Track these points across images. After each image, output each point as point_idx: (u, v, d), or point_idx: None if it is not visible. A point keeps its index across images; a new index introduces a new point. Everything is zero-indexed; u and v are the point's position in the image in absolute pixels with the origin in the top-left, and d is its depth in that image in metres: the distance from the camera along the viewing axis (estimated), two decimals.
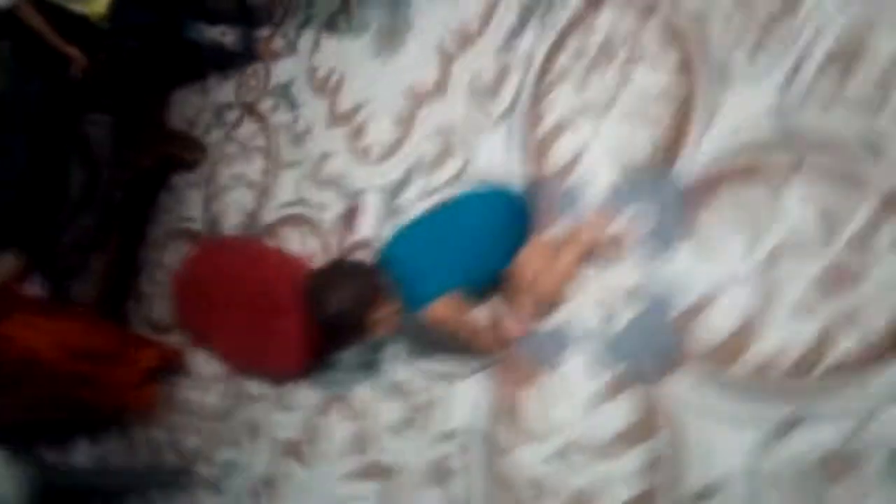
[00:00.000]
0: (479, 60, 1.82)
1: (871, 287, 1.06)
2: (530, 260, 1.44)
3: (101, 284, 2.61)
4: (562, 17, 1.65)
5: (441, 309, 1.41)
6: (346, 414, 1.88)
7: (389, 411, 1.77)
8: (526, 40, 1.71)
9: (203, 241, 2.63)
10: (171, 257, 2.83)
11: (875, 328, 1.04)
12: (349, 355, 1.89)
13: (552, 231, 1.49)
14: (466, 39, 1.87)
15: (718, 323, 1.22)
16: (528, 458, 1.44)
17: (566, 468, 1.37)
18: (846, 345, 1.08)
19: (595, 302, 1.41)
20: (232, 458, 2.21)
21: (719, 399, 1.19)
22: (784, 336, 1.14)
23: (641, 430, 1.29)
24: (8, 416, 2.25)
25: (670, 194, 1.33)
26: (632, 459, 1.28)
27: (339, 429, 1.88)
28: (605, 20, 1.54)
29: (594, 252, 1.40)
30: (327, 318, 1.40)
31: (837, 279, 1.09)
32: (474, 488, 1.52)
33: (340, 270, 1.46)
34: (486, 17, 1.82)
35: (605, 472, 1.31)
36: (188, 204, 2.90)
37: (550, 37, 1.66)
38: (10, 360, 2.22)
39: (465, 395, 1.60)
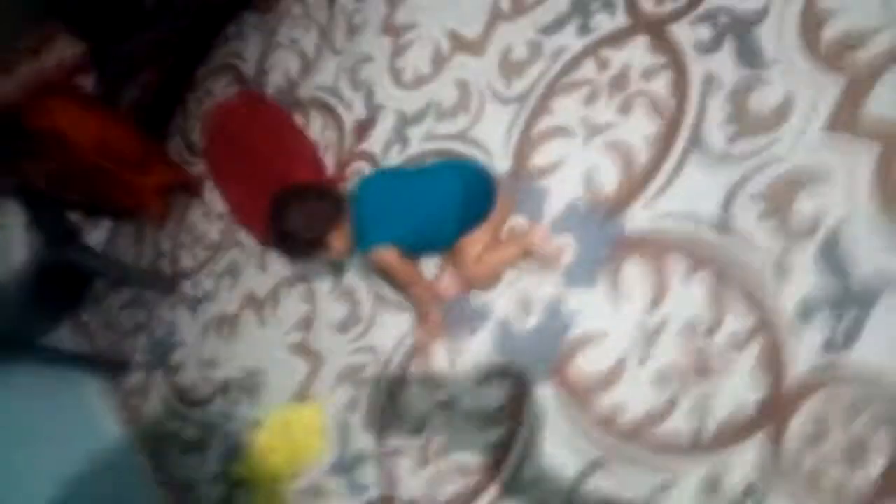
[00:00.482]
0: (520, 34, 1.88)
1: (724, 386, 1.23)
2: (477, 242, 1.60)
3: (147, 97, 2.84)
4: (604, 26, 1.70)
5: (383, 256, 1.60)
6: (305, 296, 2.14)
7: (335, 310, 2.03)
8: (564, 35, 1.77)
9: (245, 91, 2.80)
10: (219, 88, 3.02)
11: (708, 423, 1.22)
12: None
13: (506, 221, 1.64)
14: (518, 8, 1.91)
15: (594, 361, 1.42)
16: (420, 398, 1.70)
17: (443, 419, 1.63)
18: (677, 425, 1.27)
19: (516, 299, 1.60)
20: (210, 289, 2.53)
21: (565, 422, 1.41)
22: (635, 396, 1.34)
23: (506, 414, 1.52)
24: (31, 181, 2.56)
25: (607, 237, 1.48)
26: (492, 433, 1.53)
27: (294, 305, 2.16)
28: (635, 48, 1.60)
29: (532, 257, 1.56)
30: (280, 234, 1.61)
31: (702, 366, 1.26)
32: (374, 399, 1.80)
33: (306, 193, 1.65)
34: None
35: (474, 439, 1.56)
36: (247, 44, 3.03)
37: (585, 41, 1.71)
38: (45, 131, 2.49)
39: (396, 325, 1.84)
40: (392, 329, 1.85)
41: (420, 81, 2.11)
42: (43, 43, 2.67)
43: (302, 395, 2.01)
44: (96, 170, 2.69)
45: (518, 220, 1.67)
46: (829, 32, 1.30)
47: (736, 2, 1.46)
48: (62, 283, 2.86)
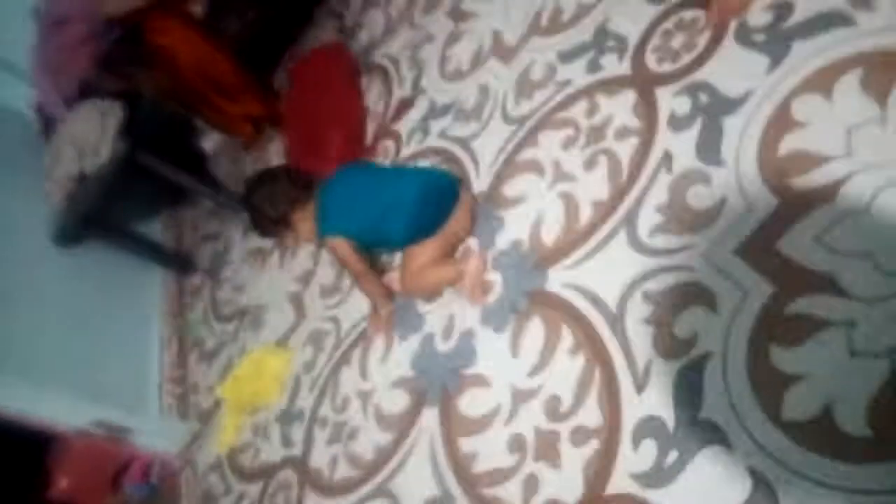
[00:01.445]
0: (543, 53, 1.83)
1: (553, 475, 1.24)
2: (426, 251, 1.65)
3: (249, 32, 3.07)
4: (609, 68, 1.62)
5: (335, 245, 1.70)
6: (313, 254, 2.32)
7: (327, 274, 2.19)
8: (575, 67, 1.70)
9: (333, 44, 2.94)
10: (325, 34, 3.17)
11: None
12: None
13: (461, 239, 1.67)
14: (553, 26, 1.85)
15: (475, 403, 1.46)
16: (352, 384, 1.83)
17: (360, 412, 1.75)
18: (510, 492, 1.30)
19: (445, 320, 1.65)
20: None
21: (432, 452, 1.49)
22: (490, 451, 1.38)
23: (401, 424, 1.62)
24: (140, 88, 2.91)
25: (528, 288, 1.48)
26: (375, 436, 1.64)
27: (304, 259, 2.36)
28: (622, 103, 1.52)
29: (465, 283, 1.60)
30: (248, 206, 1.77)
31: (544, 448, 1.27)
32: (325, 370, 1.97)
33: (279, 175, 1.78)
34: (574, 20, 1.79)
35: (373, 436, 1.68)
36: None
37: (588, 80, 1.65)
38: (156, 46, 2.81)
39: (361, 306, 1.96)
40: (357, 308, 1.97)
41: (456, 75, 2.12)
42: None
43: (282, 341, 2.22)
44: (193, 89, 3.00)
45: (472, 244, 1.69)
46: (786, 145, 1.17)
47: (722, 83, 1.34)
48: (162, 181, 3.24)
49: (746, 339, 1.07)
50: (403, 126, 2.23)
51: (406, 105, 2.30)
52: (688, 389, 1.11)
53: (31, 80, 3.10)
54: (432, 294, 1.68)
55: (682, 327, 1.17)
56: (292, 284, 2.34)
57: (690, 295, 1.17)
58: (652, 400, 1.15)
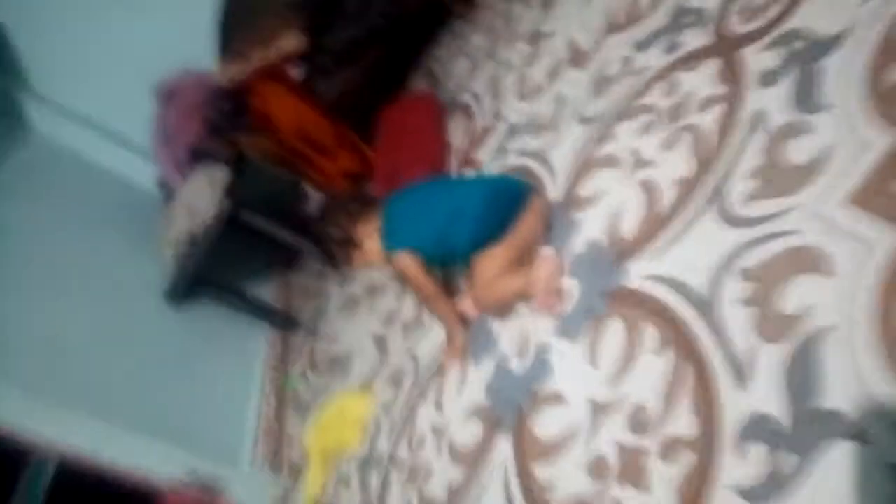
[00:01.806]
0: (618, 49, 1.69)
1: (637, 501, 1.01)
2: (495, 259, 1.50)
3: (341, 91, 3.17)
4: (689, 43, 1.44)
5: (401, 261, 1.58)
6: (398, 293, 2.23)
7: (409, 311, 2.08)
8: (650, 55, 1.54)
9: (419, 90, 2.96)
10: (420, 85, 3.21)
11: None
12: None
13: (532, 245, 1.50)
14: (631, 18, 1.71)
15: (551, 424, 1.25)
16: (427, 420, 1.67)
17: (435, 449, 1.58)
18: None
19: (515, 335, 1.47)
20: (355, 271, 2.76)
21: (515, 482, 1.28)
22: (568, 477, 1.15)
23: (474, 456, 1.43)
24: (245, 152, 3.05)
25: (607, 289, 1.28)
26: (447, 473, 1.45)
27: (390, 299, 2.27)
28: (705, 73, 1.33)
29: (537, 290, 1.42)
30: (315, 240, 1.71)
31: (628, 468, 1.04)
32: (403, 409, 1.82)
33: (339, 200, 1.71)
34: (649, 9, 1.64)
35: (446, 474, 1.50)
36: (442, 49, 3.18)
37: (664, 62, 1.48)
38: (259, 111, 2.95)
39: (437, 340, 1.82)
40: (435, 342, 1.83)
41: (534, 93, 2.02)
42: (275, 34, 3.14)
43: (366, 384, 2.11)
44: (294, 150, 3.11)
45: (546, 252, 1.52)
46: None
47: (816, 24, 1.13)
48: (272, 244, 3.33)
49: (874, 303, 0.81)
50: (483, 153, 2.13)
51: (486, 132, 2.21)
52: (804, 375, 0.85)
53: (152, 155, 3.36)
54: (505, 306, 1.51)
55: (791, 302, 0.92)
56: (378, 326, 2.25)
57: (799, 262, 0.93)
58: (758, 395, 0.90)
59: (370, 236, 1.66)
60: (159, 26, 3.21)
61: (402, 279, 1.66)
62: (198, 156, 3.10)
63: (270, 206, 3.19)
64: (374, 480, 1.76)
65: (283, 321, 3.26)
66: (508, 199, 1.50)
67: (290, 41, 3.12)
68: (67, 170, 3.40)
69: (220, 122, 3.10)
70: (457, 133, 2.47)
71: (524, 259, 1.50)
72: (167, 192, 3.34)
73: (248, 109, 3.06)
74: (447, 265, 1.71)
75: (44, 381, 2.18)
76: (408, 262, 1.58)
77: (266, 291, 3.53)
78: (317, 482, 2.06)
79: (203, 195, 2.97)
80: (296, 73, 3.11)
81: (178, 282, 2.94)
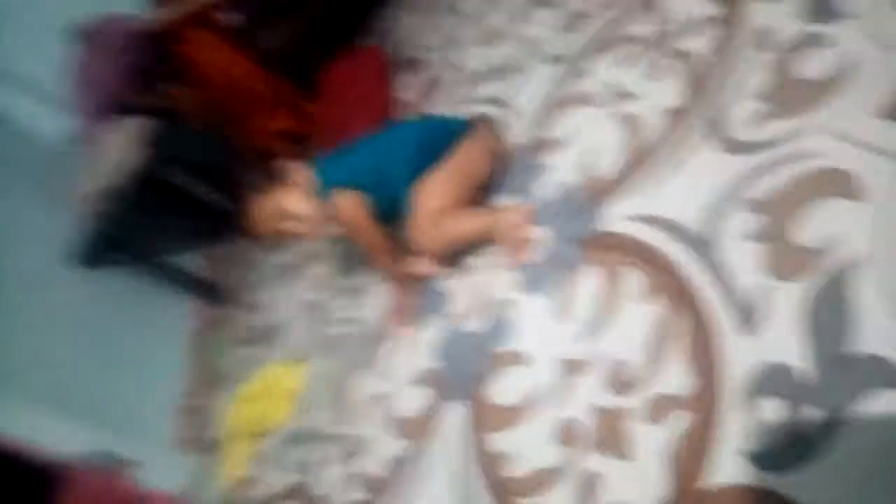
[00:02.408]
0: None
1: (621, 471, 0.84)
2: (435, 190, 1.31)
3: (287, 45, 2.91)
4: None
5: (344, 203, 1.39)
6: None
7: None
8: None
9: (364, 47, 2.75)
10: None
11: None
12: None
13: (473, 179, 1.33)
14: None
15: (509, 387, 1.07)
16: (370, 389, 1.47)
17: (376, 420, 1.38)
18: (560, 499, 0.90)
19: (467, 292, 1.29)
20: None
21: (458, 457, 1.09)
22: (532, 446, 0.98)
23: (417, 426, 1.24)
24: (170, 103, 2.76)
25: (577, 235, 1.11)
26: (390, 447, 1.26)
27: (318, 266, 2.05)
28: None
29: (498, 240, 1.24)
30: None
31: (606, 435, 0.87)
32: (341, 379, 1.62)
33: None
34: None
35: (388, 447, 1.30)
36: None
37: None
38: (184, 58, 2.67)
39: (381, 303, 1.62)
40: (374, 304, 1.63)
41: (494, 38, 1.84)
42: None
43: (299, 355, 1.89)
44: (225, 105, 2.83)
45: (502, 200, 1.34)
46: None
47: None
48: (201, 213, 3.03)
49: None
50: (440, 106, 1.94)
51: (434, 83, 2.02)
52: (828, 316, 0.70)
53: (65, 104, 3.01)
54: (448, 248, 1.32)
55: (810, 233, 0.77)
56: (312, 294, 2.03)
57: (819, 187, 0.78)
58: (772, 342, 0.74)
59: (298, 199, 1.45)
60: None
61: (344, 226, 1.45)
62: (118, 107, 2.79)
63: (197, 165, 2.91)
64: (306, 456, 1.55)
65: (209, 290, 2.99)
66: (446, 132, 1.36)
67: None
68: None
69: (144, 70, 2.80)
70: (409, 88, 2.27)
71: (474, 199, 1.33)
72: (82, 143, 3.01)
73: (176, 58, 2.77)
74: (390, 220, 1.49)
75: None
76: (349, 202, 1.38)
77: (191, 259, 3.23)
78: (238, 460, 1.83)
79: (122, 148, 2.68)
80: (232, 20, 2.83)
81: (92, 243, 2.63)
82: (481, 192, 1.37)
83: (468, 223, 1.26)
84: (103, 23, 2.85)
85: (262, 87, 2.81)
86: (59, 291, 2.47)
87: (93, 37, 2.82)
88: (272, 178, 1.49)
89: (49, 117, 2.97)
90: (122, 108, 2.83)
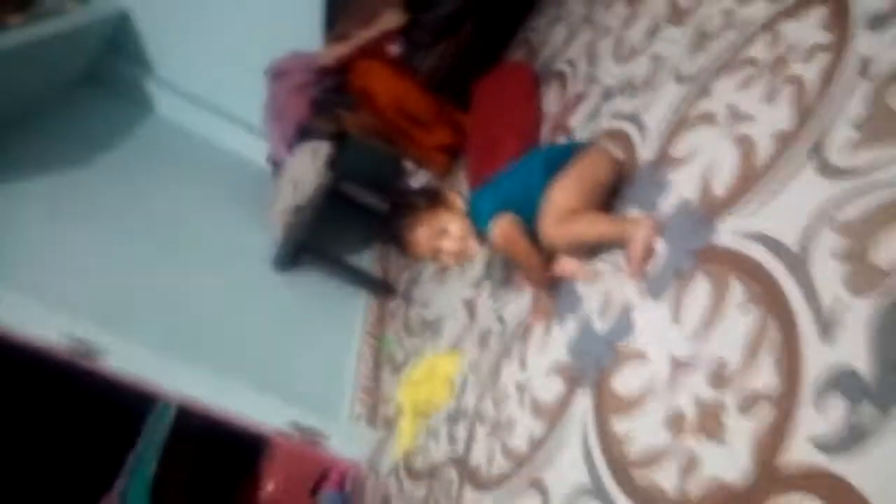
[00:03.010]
0: (719, 2, 1.62)
1: (714, 453, 1.00)
2: (565, 188, 1.49)
3: (443, 65, 3.21)
4: None
5: (499, 227, 1.56)
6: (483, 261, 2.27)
7: (497, 274, 2.11)
8: (753, 8, 1.48)
9: (512, 62, 2.96)
10: (516, 56, 3.22)
11: (689, 488, 1.02)
12: None
13: (600, 182, 1.52)
14: None
15: (628, 379, 1.26)
16: (512, 377, 1.71)
17: (517, 404, 1.62)
18: (661, 478, 1.07)
19: (597, 293, 1.47)
20: None
21: (593, 434, 1.29)
22: (645, 430, 1.16)
23: (552, 409, 1.45)
24: (346, 128, 3.17)
25: (691, 247, 1.26)
26: (529, 427, 1.48)
27: (477, 264, 2.31)
28: (808, 21, 1.27)
29: (634, 250, 1.40)
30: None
31: (706, 422, 1.04)
32: (488, 367, 1.87)
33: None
34: None
35: (528, 427, 1.53)
36: (541, 19, 3.16)
37: (768, 13, 1.41)
38: (358, 89, 3.07)
39: (524, 304, 1.85)
40: (522, 305, 1.86)
41: (630, 54, 1.98)
42: (376, 13, 3.23)
43: (455, 346, 2.17)
44: (393, 125, 3.20)
45: (629, 211, 1.50)
46: None
47: None
48: (371, 216, 3.46)
49: None
50: (576, 119, 2.11)
51: (578, 98, 2.19)
52: (892, 328, 0.81)
53: (263, 133, 3.57)
54: (574, 246, 1.50)
55: (886, 254, 0.87)
56: (468, 292, 2.30)
57: (892, 214, 0.88)
58: (842, 348, 0.87)
59: (454, 221, 1.69)
60: (269, 10, 3.40)
61: (502, 250, 1.64)
62: (304, 132, 3.26)
63: (370, 179, 3.32)
64: (461, 433, 1.82)
65: (380, 288, 3.38)
66: (567, 153, 1.54)
67: (391, 19, 3.19)
68: (188, 149, 3.68)
69: (324, 99, 3.24)
70: (551, 101, 2.45)
71: (600, 202, 1.49)
72: (276, 167, 3.54)
73: (350, 87, 3.18)
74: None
75: (168, 337, 2.40)
76: (505, 227, 1.57)
77: (366, 260, 3.67)
78: (409, 434, 2.15)
79: (307, 169, 3.12)
80: (395, 49, 3.19)
81: (284, 250, 3.12)
82: (609, 200, 1.54)
83: (601, 226, 1.43)
84: (290, 60, 3.33)
85: (425, 107, 3.12)
86: (263, 291, 2.97)
87: (281, 73, 3.30)
88: (431, 202, 1.75)
89: (254, 146, 3.53)
90: (303, 133, 3.30)
